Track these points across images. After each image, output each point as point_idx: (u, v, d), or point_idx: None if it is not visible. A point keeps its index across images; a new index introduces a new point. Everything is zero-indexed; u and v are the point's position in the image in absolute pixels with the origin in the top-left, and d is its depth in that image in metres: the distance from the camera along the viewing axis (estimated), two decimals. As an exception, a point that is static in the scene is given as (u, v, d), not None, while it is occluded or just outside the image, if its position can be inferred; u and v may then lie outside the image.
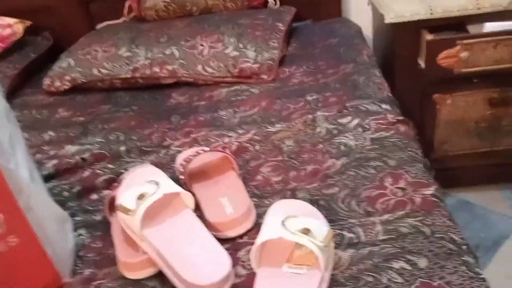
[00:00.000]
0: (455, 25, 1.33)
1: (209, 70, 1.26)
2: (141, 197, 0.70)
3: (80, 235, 0.80)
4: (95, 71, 1.32)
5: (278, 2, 1.55)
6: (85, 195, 0.90)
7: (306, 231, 0.60)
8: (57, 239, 0.70)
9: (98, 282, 0.69)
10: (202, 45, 1.29)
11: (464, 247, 0.62)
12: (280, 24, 1.37)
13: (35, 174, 0.72)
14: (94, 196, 0.90)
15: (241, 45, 1.27)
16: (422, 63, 1.34)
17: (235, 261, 0.67)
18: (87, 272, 0.71)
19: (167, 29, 1.38)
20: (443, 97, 1.39)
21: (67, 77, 1.34)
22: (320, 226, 0.62)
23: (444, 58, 1.28)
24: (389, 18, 1.29)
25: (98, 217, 0.84)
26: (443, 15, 1.27)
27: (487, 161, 1.50)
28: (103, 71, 1.32)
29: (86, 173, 0.97)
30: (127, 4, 1.56)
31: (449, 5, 1.27)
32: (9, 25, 1.47)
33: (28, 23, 1.55)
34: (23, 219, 0.63)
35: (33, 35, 1.61)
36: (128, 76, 1.30)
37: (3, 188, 0.60)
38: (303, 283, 0.58)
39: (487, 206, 1.50)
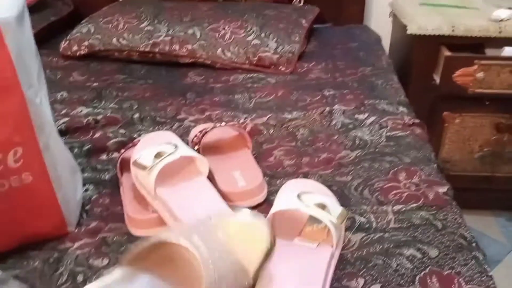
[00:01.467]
0: (474, 47, 1.35)
1: (228, 54, 1.27)
2: (158, 155, 0.70)
3: (87, 190, 0.79)
4: (114, 40, 1.32)
5: (302, 1, 1.56)
6: (95, 155, 0.90)
7: (322, 207, 0.60)
8: (68, 185, 0.69)
9: (104, 235, 0.68)
10: (224, 29, 1.30)
11: (473, 244, 0.63)
12: (303, 21, 1.38)
13: (54, 118, 0.72)
14: (104, 157, 0.89)
15: (263, 35, 1.28)
16: (437, 79, 1.36)
17: (244, 231, 0.66)
18: (92, 224, 0.71)
19: (191, 10, 1.39)
20: (453, 116, 1.41)
21: (86, 43, 1.34)
22: (335, 203, 0.62)
23: (460, 76, 1.30)
24: (412, 29, 1.31)
25: (106, 176, 0.83)
26: (464, 33, 1.29)
27: (486, 186, 1.52)
28: (123, 41, 1.32)
29: (97, 134, 0.96)
30: (153, -19, 1.57)
31: (471, 25, 1.29)
32: (33, -15, 1.47)
33: (52, -15, 1.55)
34: (40, 157, 0.63)
35: (54, -1, 1.61)
36: (147, 49, 1.30)
37: (27, 122, 0.60)
38: (314, 256, 0.58)
39: (480, 230, 1.51)
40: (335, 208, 0.61)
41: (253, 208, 0.72)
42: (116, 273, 0.48)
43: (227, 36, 1.28)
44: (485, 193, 1.54)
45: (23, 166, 0.61)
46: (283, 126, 0.97)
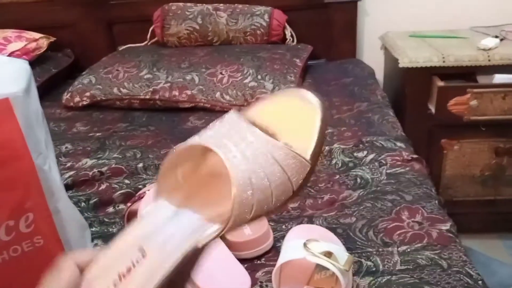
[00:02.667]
0: (465, 75, 1.39)
1: (227, 97, 1.30)
2: (164, 210, 0.71)
3: (96, 245, 0.80)
4: (115, 90, 1.36)
5: (295, 40, 1.61)
6: (102, 208, 0.91)
7: (328, 255, 0.61)
8: (78, 245, 0.70)
9: (114, 292, 0.69)
10: (222, 73, 1.33)
11: (480, 282, 0.63)
12: (297, 60, 1.42)
13: (61, 179, 0.74)
14: (111, 209, 0.91)
15: (259, 77, 1.32)
16: (432, 108, 1.39)
17: (253, 281, 0.67)
18: (103, 281, 0.71)
19: (188, 56, 1.43)
20: (451, 143, 1.43)
21: (87, 94, 1.37)
22: (341, 250, 0.63)
23: (454, 105, 1.33)
24: (403, 63, 1.35)
25: (114, 229, 0.84)
26: (454, 63, 1.33)
27: (490, 210, 1.52)
28: (123, 90, 1.35)
29: (103, 186, 0.98)
30: (150, 29, 1.62)
31: (461, 55, 1.33)
32: (35, 39, 1.52)
33: (52, 39, 1.60)
34: (50, 221, 0.64)
35: (55, 51, 1.66)
36: (147, 97, 1.33)
37: (37, 189, 0.62)
38: (324, 305, 0.59)
39: (488, 254, 1.51)
40: (342, 255, 0.62)
41: (260, 256, 0.73)
42: (163, 210, 0.39)
43: (225, 80, 1.32)
44: (490, 217, 1.55)
45: (35, 231, 0.63)
46: (285, 168, 0.98)
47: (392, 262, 0.67)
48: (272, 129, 0.41)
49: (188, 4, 1.58)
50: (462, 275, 0.64)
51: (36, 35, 1.54)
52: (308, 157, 0.40)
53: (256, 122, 0.40)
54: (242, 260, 0.71)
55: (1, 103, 0.57)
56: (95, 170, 1.02)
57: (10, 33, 1.50)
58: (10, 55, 1.42)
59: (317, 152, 0.41)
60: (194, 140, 0.39)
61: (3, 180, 0.59)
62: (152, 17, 1.60)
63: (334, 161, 0.97)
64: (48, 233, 0.64)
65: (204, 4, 1.57)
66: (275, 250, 0.74)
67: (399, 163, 0.93)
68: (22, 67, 0.66)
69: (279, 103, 0.44)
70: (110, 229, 0.85)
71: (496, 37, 1.39)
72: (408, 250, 0.69)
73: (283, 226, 0.80)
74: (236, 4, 1.58)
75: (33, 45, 1.50)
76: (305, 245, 0.63)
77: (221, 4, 1.57)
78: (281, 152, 0.39)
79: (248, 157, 0.37)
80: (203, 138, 0.39)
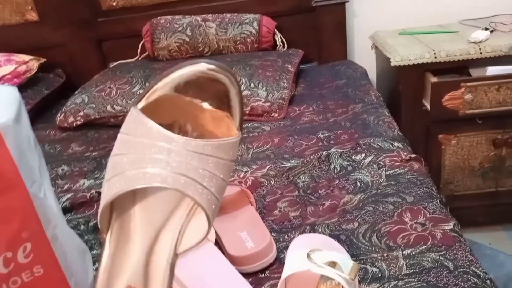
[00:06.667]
0: (458, 69, 1.39)
1: (221, 108, 1.29)
2: (164, 229, 0.70)
3: (98, 268, 0.79)
4: (108, 108, 1.35)
5: (285, 45, 1.61)
6: (102, 229, 0.90)
7: (332, 264, 0.61)
8: (79, 270, 0.69)
9: (119, 316, 0.68)
10: (214, 84, 1.33)
11: (488, 281, 0.63)
12: (289, 66, 1.42)
13: (58, 204, 0.73)
14: (111, 230, 0.90)
15: (252, 85, 1.31)
16: (427, 105, 1.38)
17: (259, 295, 0.66)
18: (107, 305, 0.70)
19: (180, 68, 1.42)
20: (448, 138, 1.43)
21: (81, 113, 1.37)
22: (345, 259, 0.63)
23: (449, 100, 1.32)
24: (395, 61, 1.35)
25: (115, 251, 0.83)
26: (446, 58, 1.33)
27: (492, 202, 1.52)
28: (117, 107, 1.35)
29: (102, 206, 0.97)
30: (140, 44, 1.62)
31: (452, 49, 1.32)
32: (25, 62, 1.51)
33: (43, 60, 1.60)
34: (49, 249, 0.63)
35: (46, 72, 1.66)
36: (141, 112, 1.32)
37: (33, 218, 0.61)
38: (332, 317, 0.58)
39: (494, 247, 1.50)
40: (346, 263, 0.61)
41: (264, 269, 0.72)
42: None
43: (218, 90, 1.31)
44: (492, 209, 1.54)
45: (34, 260, 0.62)
46: (284, 176, 0.98)
47: (397, 266, 0.67)
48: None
49: (177, 17, 1.58)
50: (469, 276, 0.63)
51: (26, 57, 1.54)
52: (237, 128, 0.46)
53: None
54: (246, 275, 0.70)
55: (-9, 134, 0.57)
56: (93, 191, 1.01)
57: (-1, 57, 1.49)
58: (0, 79, 1.41)
59: (242, 120, 0.46)
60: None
61: (-2, 212, 0.58)
62: (141, 32, 1.59)
63: (332, 166, 0.96)
64: (48, 262, 0.63)
65: (193, 16, 1.57)
66: (279, 261, 0.73)
67: (398, 163, 0.92)
68: (11, 95, 0.65)
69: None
70: (111, 251, 0.84)
71: (486, 29, 1.39)
72: (413, 253, 0.68)
73: (286, 236, 0.79)
74: (224, 14, 1.57)
75: (23, 67, 1.50)
76: (308, 255, 0.62)
77: (210, 15, 1.57)
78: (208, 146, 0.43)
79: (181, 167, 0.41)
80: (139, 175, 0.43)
